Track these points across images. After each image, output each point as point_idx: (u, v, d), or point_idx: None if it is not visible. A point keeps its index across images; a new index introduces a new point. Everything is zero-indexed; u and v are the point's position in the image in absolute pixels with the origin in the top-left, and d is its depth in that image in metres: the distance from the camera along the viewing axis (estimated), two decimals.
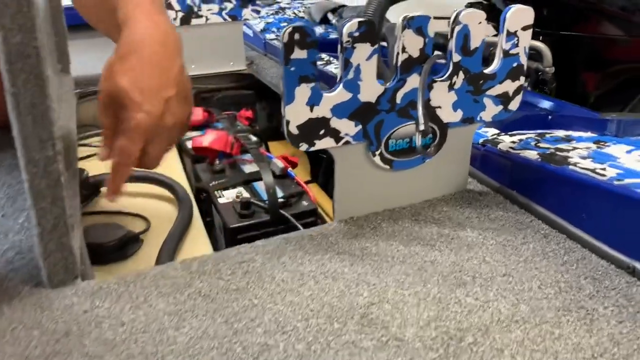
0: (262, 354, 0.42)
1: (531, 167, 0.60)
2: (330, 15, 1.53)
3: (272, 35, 1.42)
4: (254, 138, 1.02)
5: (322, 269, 0.52)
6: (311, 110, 0.53)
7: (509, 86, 0.61)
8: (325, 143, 0.56)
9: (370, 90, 0.55)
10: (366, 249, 0.55)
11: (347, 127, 0.56)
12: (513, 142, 0.66)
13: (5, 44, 0.43)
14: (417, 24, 0.54)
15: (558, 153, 0.61)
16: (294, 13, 1.63)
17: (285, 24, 1.52)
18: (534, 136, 0.68)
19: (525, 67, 0.61)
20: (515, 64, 0.60)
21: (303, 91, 0.52)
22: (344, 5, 1.54)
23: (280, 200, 0.79)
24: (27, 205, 0.67)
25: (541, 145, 0.64)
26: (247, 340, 0.43)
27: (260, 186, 0.82)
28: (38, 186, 0.48)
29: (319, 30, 1.49)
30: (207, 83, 1.39)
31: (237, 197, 0.88)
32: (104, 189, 0.94)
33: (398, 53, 0.55)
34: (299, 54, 0.51)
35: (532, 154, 0.62)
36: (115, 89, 0.51)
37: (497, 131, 0.71)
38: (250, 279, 0.51)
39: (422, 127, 0.53)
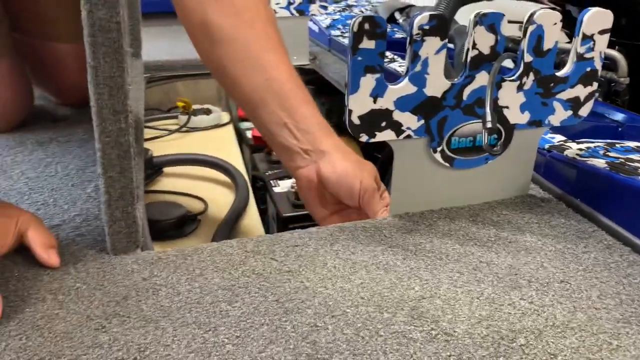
0: (311, 334, 0.42)
1: (598, 176, 0.58)
2: (397, 15, 1.52)
3: (338, 32, 1.43)
4: None
5: (374, 259, 0.52)
6: (374, 101, 0.54)
7: (580, 91, 0.59)
8: (386, 135, 0.56)
9: (437, 84, 0.55)
10: (420, 245, 0.55)
11: (410, 120, 0.56)
12: (580, 149, 0.64)
13: (89, 17, 0.46)
14: (489, 21, 0.53)
15: (628, 163, 0.59)
16: (361, 11, 1.63)
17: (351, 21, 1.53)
18: (603, 145, 0.65)
19: (599, 73, 0.59)
20: (589, 69, 0.58)
21: (368, 82, 0.53)
22: (411, 5, 1.53)
23: None
24: (96, 176, 0.71)
25: (610, 154, 0.62)
26: (297, 320, 0.44)
27: None
28: (109, 156, 0.50)
29: None
30: None
31: (292, 187, 0.90)
32: (166, 169, 0.98)
33: (468, 49, 0.54)
34: (367, 44, 0.51)
35: (600, 163, 0.59)
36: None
37: (564, 138, 0.69)
38: (303, 262, 0.51)
39: (489, 125, 0.52)
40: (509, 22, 0.75)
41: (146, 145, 1.05)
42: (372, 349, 0.41)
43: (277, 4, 1.36)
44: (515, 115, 0.59)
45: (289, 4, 1.37)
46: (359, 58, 0.52)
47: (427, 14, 0.52)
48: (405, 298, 0.47)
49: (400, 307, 0.45)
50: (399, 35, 1.39)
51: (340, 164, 0.62)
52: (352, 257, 0.53)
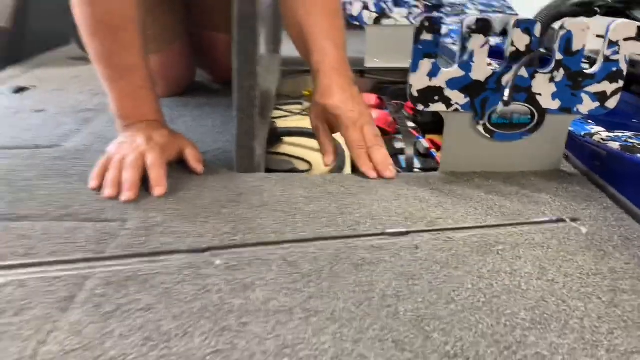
0: (353, 226, 0.63)
1: (610, 154, 0.71)
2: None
3: (450, 40, 1.60)
4: (411, 124, 1.22)
5: (414, 194, 0.71)
6: (430, 80, 0.73)
7: (607, 86, 0.73)
8: (437, 107, 0.74)
9: (481, 71, 0.72)
10: (453, 190, 0.73)
11: (458, 97, 0.74)
12: (608, 135, 0.77)
13: (239, 6, 0.71)
14: (524, 26, 0.70)
15: (637, 146, 0.71)
16: None
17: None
18: (631, 134, 0.77)
19: (624, 73, 0.72)
20: (614, 69, 0.72)
21: (425, 64, 0.72)
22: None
23: (417, 170, 0.98)
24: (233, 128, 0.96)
25: (630, 140, 0.75)
26: (347, 218, 0.65)
27: (403, 158, 1.02)
28: (241, 103, 0.74)
29: (495, 40, 1.63)
30: (385, 75, 1.62)
31: None
32: (286, 139, 1.23)
33: (508, 46, 0.71)
34: (426, 36, 0.70)
35: (615, 145, 0.73)
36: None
37: (602, 128, 0.82)
38: (361, 190, 0.72)
39: (505, 99, 0.68)
40: (598, 36, 0.89)
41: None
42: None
43: (399, 13, 1.57)
44: (547, 102, 0.74)
45: (409, 14, 1.57)
46: (420, 47, 0.71)
47: (473, 17, 0.70)
48: (426, 216, 0.65)
49: (421, 220, 0.64)
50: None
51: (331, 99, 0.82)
52: (398, 191, 0.72)
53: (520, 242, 0.60)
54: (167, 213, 0.65)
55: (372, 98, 1.43)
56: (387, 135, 1.19)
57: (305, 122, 1.36)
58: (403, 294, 0.51)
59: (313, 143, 1.20)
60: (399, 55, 1.60)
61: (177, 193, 0.71)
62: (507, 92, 0.69)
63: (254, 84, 0.74)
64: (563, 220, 0.65)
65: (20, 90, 1.19)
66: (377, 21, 1.56)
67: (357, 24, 1.54)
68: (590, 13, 1.28)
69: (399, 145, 1.11)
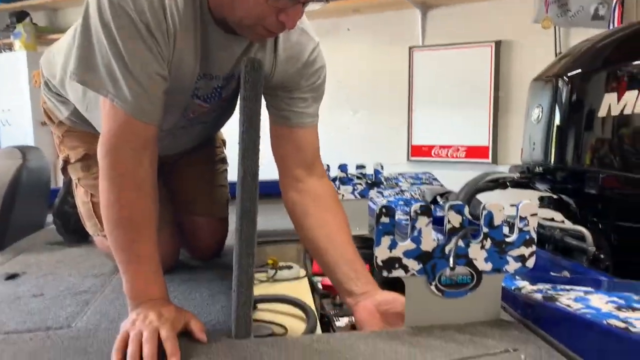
0: None
1: (534, 303, 0.91)
2: (438, 198, 1.95)
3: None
4: None
5: (389, 347, 0.87)
6: (390, 251, 0.92)
7: (524, 250, 0.95)
8: (398, 273, 0.93)
9: (428, 244, 0.93)
10: (419, 342, 0.89)
11: (413, 264, 0.93)
12: (532, 289, 0.98)
13: (241, 208, 0.90)
14: (457, 208, 0.93)
15: (555, 295, 0.92)
16: (411, 194, 2.07)
17: (402, 202, 1.96)
18: (548, 286, 0.98)
19: (535, 240, 0.94)
20: (527, 237, 0.95)
21: (386, 240, 0.92)
22: (450, 191, 1.96)
23: None
24: (220, 300, 1.10)
25: (549, 292, 0.95)
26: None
27: None
28: (241, 278, 0.90)
29: None
30: None
31: (349, 322, 1.25)
32: (260, 305, 1.36)
33: (445, 223, 0.93)
34: (385, 219, 0.91)
35: (538, 296, 0.93)
36: None
37: (527, 282, 1.03)
38: (345, 347, 0.87)
39: (450, 265, 0.88)
40: (512, 205, 1.11)
41: None
42: None
43: (346, 189, 1.82)
44: (482, 265, 0.95)
45: (354, 190, 1.83)
46: (380, 227, 0.92)
47: (418, 204, 0.92)
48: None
49: None
50: (439, 213, 1.80)
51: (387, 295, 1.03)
52: (375, 345, 0.87)
53: None
54: None
55: None
56: None
57: (272, 289, 1.51)
58: None
59: (285, 308, 1.34)
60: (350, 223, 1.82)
61: None
62: (451, 260, 0.90)
63: (251, 262, 0.91)
64: (508, 351, 0.82)
65: (12, 276, 1.29)
66: None
67: None
68: (502, 186, 1.58)
69: None
